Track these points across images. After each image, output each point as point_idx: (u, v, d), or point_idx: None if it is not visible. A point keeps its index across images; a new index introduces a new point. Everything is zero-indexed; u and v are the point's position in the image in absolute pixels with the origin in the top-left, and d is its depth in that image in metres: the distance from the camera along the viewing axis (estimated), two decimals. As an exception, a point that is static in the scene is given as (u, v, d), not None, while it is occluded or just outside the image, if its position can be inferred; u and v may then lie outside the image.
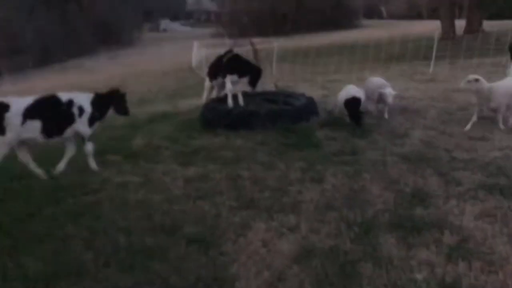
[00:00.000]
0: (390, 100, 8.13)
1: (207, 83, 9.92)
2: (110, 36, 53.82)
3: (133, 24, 62.79)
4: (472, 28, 25.57)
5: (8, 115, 5.35)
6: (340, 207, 4.49)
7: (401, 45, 18.36)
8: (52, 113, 5.69)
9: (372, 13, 71.26)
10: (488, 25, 25.79)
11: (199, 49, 25.21)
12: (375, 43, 19.30)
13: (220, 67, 9.21)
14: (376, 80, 8.86)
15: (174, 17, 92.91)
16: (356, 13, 62.82)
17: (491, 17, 28.65)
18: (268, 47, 22.88)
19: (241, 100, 9.06)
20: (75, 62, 41.47)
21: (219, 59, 9.47)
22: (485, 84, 7.16)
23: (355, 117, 7.59)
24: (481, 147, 6.19)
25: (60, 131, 5.79)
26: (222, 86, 9.39)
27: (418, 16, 63.50)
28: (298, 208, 4.59)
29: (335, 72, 16.84)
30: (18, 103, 5.49)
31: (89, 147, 6.01)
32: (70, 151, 6.05)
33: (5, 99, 5.51)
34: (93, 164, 6.13)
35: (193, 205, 4.81)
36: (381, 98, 8.37)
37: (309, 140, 7.16)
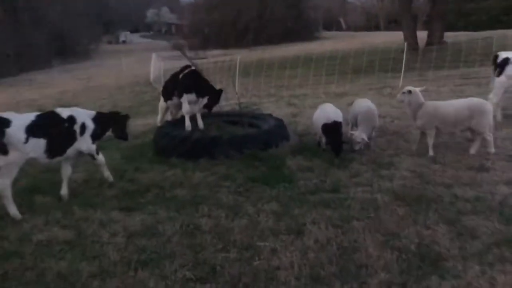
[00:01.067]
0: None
1: (161, 103, 8.70)
2: (65, 48, 51.54)
3: (91, 36, 60.54)
4: (434, 40, 25.38)
5: (9, 132, 4.85)
6: (330, 279, 3.39)
7: (366, 57, 17.61)
8: (55, 131, 5.32)
9: (330, 25, 71.71)
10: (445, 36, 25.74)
11: (158, 62, 23.87)
12: (340, 54, 18.57)
13: (176, 86, 8.04)
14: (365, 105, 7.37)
15: (134, 29, 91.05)
16: (316, 24, 62.95)
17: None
18: (230, 60, 21.90)
19: (200, 123, 7.91)
20: (26, 76, 39.10)
21: (175, 76, 8.29)
22: (418, 98, 6.41)
23: (335, 146, 6.51)
24: (484, 180, 5.25)
25: (63, 150, 5.46)
26: (179, 107, 8.22)
27: (375, 27, 64.44)
28: (274, 280, 3.46)
29: (301, 86, 15.91)
30: (20, 119, 5.05)
31: (101, 158, 5.94)
32: (67, 171, 5.75)
33: (5, 114, 5.02)
34: (107, 173, 6.10)
35: (133, 279, 3.58)
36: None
37: (281, 172, 6.06)
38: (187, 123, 7.80)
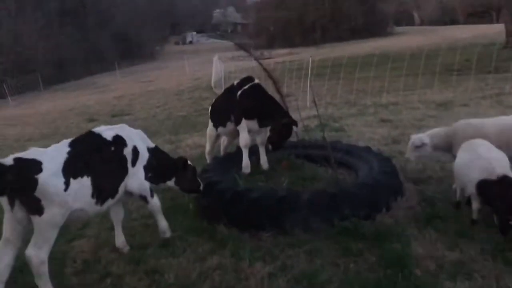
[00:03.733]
0: None
1: (210, 129, 6.22)
2: (131, 50, 51.37)
3: (157, 38, 60.48)
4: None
5: (42, 180, 3.25)
6: None
7: (459, 55, 14.03)
8: (99, 161, 3.71)
9: (400, 20, 66.75)
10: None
11: (219, 64, 21.67)
12: (422, 51, 15.24)
13: (230, 106, 5.53)
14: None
15: (201, 30, 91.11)
16: (387, 19, 58.56)
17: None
18: (298, 59, 19.18)
19: (264, 162, 5.38)
20: (91, 80, 38.85)
21: (230, 92, 5.78)
22: None
23: (506, 220, 3.60)
24: None
25: (114, 188, 3.84)
26: (234, 135, 5.72)
27: (452, 21, 59.09)
28: None
29: (387, 91, 12.85)
30: (53, 156, 3.43)
31: (156, 201, 4.24)
32: (119, 214, 4.24)
33: (31, 153, 3.38)
34: (163, 222, 4.33)
35: None
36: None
37: (411, 276, 3.32)
38: (245, 161, 5.28)
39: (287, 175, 5.24)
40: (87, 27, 45.79)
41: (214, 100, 6.28)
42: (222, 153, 6.57)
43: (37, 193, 3.21)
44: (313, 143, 5.98)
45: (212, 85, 21.30)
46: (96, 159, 3.67)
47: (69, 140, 3.71)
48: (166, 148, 8.19)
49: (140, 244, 4.30)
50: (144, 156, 4.07)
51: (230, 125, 5.60)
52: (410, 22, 68.69)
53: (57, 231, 3.38)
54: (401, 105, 11.26)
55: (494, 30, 32.21)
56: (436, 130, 4.97)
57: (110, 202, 3.81)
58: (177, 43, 77.13)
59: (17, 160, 3.22)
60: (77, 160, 3.50)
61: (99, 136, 3.86)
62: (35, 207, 3.22)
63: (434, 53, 13.77)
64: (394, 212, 4.31)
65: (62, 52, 39.40)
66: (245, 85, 5.52)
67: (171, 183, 4.46)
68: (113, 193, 3.79)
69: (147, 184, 4.10)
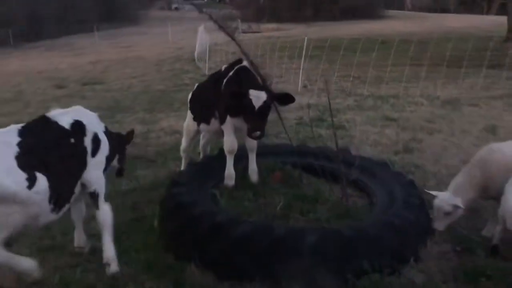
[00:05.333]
0: None
1: (188, 123, 4.98)
2: (112, 12, 48.75)
3: (142, 1, 57.80)
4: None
5: None
6: None
7: (454, 44, 12.83)
8: (55, 155, 2.95)
9: (391, 4, 65.25)
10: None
11: (205, 34, 20.13)
12: (417, 39, 14.07)
13: (215, 99, 4.29)
14: None
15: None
16: (379, 1, 56.99)
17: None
18: (289, 36, 17.85)
19: (253, 173, 4.22)
20: (67, 40, 36.53)
21: (215, 79, 4.51)
22: None
23: None
24: None
25: (70, 190, 3.09)
26: (219, 135, 4.50)
27: (442, 10, 58.19)
28: None
29: (385, 81, 11.71)
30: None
31: (107, 209, 3.36)
32: (80, 212, 3.57)
33: None
34: (110, 248, 3.27)
35: None
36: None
37: None
38: (229, 171, 4.11)
39: (281, 192, 4.10)
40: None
41: (196, 86, 5.03)
42: (200, 150, 5.37)
43: None
44: (314, 149, 4.80)
45: (195, 56, 19.86)
46: (53, 153, 2.97)
47: (18, 126, 2.95)
48: (137, 130, 6.97)
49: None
50: (105, 144, 3.38)
51: (214, 123, 4.38)
52: (400, 6, 67.31)
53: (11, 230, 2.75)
54: (402, 98, 10.17)
55: (488, 22, 31.35)
56: (459, 181, 3.62)
57: (66, 207, 3.10)
58: (162, 8, 74.21)
59: None
60: (31, 155, 2.80)
61: (55, 123, 3.13)
62: None
63: (432, 42, 12.56)
64: (425, 262, 3.23)
65: (38, 8, 36.88)
66: (231, 71, 4.29)
67: (114, 162, 3.76)
68: (70, 195, 3.10)
69: (103, 180, 3.36)
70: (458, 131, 6.97)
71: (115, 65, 20.16)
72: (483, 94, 10.46)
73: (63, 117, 3.20)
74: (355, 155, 4.67)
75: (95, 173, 3.27)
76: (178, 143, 5.83)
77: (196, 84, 5.09)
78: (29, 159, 2.76)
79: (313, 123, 7.48)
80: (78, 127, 3.21)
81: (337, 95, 10.96)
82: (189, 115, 4.91)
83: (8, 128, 2.93)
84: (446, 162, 5.48)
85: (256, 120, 3.81)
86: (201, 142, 5.25)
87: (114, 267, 3.25)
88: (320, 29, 33.54)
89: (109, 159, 3.46)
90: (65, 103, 9.90)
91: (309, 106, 7.38)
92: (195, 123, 4.77)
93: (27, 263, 2.90)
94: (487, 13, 49.31)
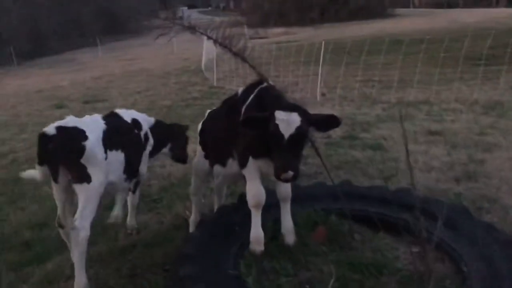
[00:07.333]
0: None
1: (199, 161, 3.88)
2: (115, 25, 48.03)
3: (146, 12, 57.10)
4: None
5: (89, 147, 3.23)
6: None
7: (474, 41, 11.55)
8: (127, 140, 3.79)
9: (397, 2, 63.91)
10: None
11: (211, 44, 19.04)
12: (437, 36, 12.86)
13: (234, 135, 3.18)
14: None
15: (192, 5, 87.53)
16: (385, 0, 55.68)
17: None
18: (295, 41, 16.77)
19: (289, 232, 3.11)
20: (70, 55, 35.74)
21: (230, 107, 3.42)
22: None
23: None
24: None
25: (137, 168, 3.94)
26: (236, 178, 3.39)
27: (449, 5, 56.74)
28: None
29: (410, 85, 10.53)
30: (93, 126, 3.44)
31: (138, 194, 4.33)
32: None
33: (70, 121, 3.36)
34: (133, 221, 4.34)
35: None
36: None
37: None
38: (256, 232, 3.00)
39: (330, 258, 2.97)
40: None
41: (207, 114, 3.93)
42: (215, 191, 4.26)
43: (84, 160, 3.18)
44: (364, 190, 3.67)
45: (203, 67, 18.82)
46: (126, 136, 3.76)
47: (99, 115, 3.75)
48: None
49: None
50: (150, 142, 4.12)
51: (232, 165, 3.28)
52: (406, 4, 65.98)
53: (98, 202, 3.30)
54: (436, 105, 9.03)
55: (501, 15, 29.91)
56: None
57: (133, 181, 3.93)
58: (166, 19, 73.63)
59: (59, 128, 3.18)
60: (112, 134, 3.52)
61: (121, 117, 3.93)
62: (82, 175, 3.18)
63: (452, 39, 11.33)
64: None
65: (40, 24, 36.19)
66: (250, 95, 3.18)
67: (166, 150, 4.47)
68: (136, 173, 3.89)
69: (145, 171, 4.13)
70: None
71: (118, 80, 19.18)
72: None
73: (126, 114, 3.99)
74: (418, 193, 3.51)
75: (144, 166, 4.01)
76: (188, 176, 4.79)
77: (208, 111, 4.00)
78: (110, 135, 3.44)
79: (344, 142, 6.39)
80: (137, 123, 3.99)
81: (361, 103, 9.85)
82: (200, 151, 3.81)
83: (93, 115, 3.68)
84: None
85: (286, 154, 2.71)
86: (216, 181, 4.16)
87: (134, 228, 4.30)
88: (328, 31, 32.50)
89: (152, 154, 4.17)
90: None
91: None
92: (207, 162, 3.67)
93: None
94: (496, 6, 48.05)
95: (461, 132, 6.69)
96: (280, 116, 2.68)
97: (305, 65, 12.47)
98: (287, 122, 2.67)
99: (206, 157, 3.68)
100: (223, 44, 3.25)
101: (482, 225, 3.06)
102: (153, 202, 5.11)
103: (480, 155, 5.50)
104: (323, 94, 10.99)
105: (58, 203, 3.25)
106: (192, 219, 4.05)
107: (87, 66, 26.55)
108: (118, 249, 4.07)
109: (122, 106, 12.47)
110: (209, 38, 3.35)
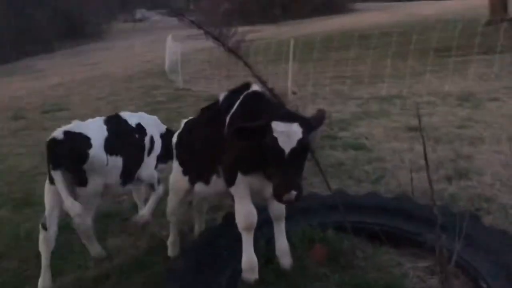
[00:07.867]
0: None
1: (177, 177, 3.46)
2: (73, 29, 46.40)
3: (105, 15, 55.63)
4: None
5: (92, 154, 3.39)
6: None
7: (439, 32, 11.58)
8: (127, 144, 3.86)
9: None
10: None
11: (174, 45, 18.49)
12: (399, 29, 12.88)
13: (217, 148, 2.79)
14: None
15: (152, 6, 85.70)
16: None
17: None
18: (261, 39, 16.52)
19: (284, 253, 2.75)
20: (26, 62, 34.24)
21: (211, 116, 3.02)
22: None
23: None
24: None
25: (134, 173, 3.95)
26: (222, 196, 3.02)
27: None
28: None
29: (381, 79, 10.39)
30: (96, 131, 3.59)
31: (161, 188, 4.18)
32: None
33: (75, 127, 3.51)
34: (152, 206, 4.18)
35: None
36: None
37: None
38: (248, 258, 2.64)
39: (331, 281, 2.65)
40: (21, 2, 40.65)
41: (183, 125, 3.53)
42: (195, 207, 3.85)
43: (85, 166, 3.34)
44: (360, 199, 3.36)
45: (166, 69, 18.27)
46: (126, 141, 3.82)
47: (102, 118, 3.85)
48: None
49: None
50: (158, 145, 4.13)
51: (217, 183, 2.88)
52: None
53: (99, 198, 3.57)
54: (409, 98, 8.90)
55: (458, 7, 30.47)
56: None
57: (129, 186, 3.96)
58: (126, 21, 71.87)
59: (66, 133, 3.34)
60: (114, 139, 3.63)
61: (125, 121, 3.97)
62: (81, 179, 3.37)
63: (417, 32, 11.27)
64: None
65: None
66: (235, 102, 2.80)
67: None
68: (132, 177, 3.90)
69: (155, 173, 4.13)
70: (504, 136, 5.66)
71: (79, 86, 18.32)
72: (497, 85, 9.29)
73: (131, 118, 4.02)
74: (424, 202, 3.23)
75: (147, 171, 4.00)
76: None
77: (183, 121, 3.59)
78: (111, 141, 3.55)
79: (324, 143, 6.11)
80: (141, 127, 4.00)
81: (334, 100, 9.64)
82: (177, 166, 3.40)
83: (96, 118, 3.80)
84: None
85: (286, 171, 2.35)
86: (194, 201, 3.76)
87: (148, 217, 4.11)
88: (293, 28, 32.40)
89: (160, 157, 4.16)
90: (22, 138, 8.30)
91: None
92: (186, 179, 3.28)
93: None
94: (452, -3, 49.22)
95: (441, 126, 6.52)
96: (279, 128, 2.33)
97: (274, 63, 12.18)
98: (287, 134, 2.31)
99: (185, 173, 3.29)
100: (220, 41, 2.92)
101: (491, 231, 2.81)
102: (124, 222, 4.66)
103: (466, 149, 5.32)
104: (294, 93, 10.70)
105: (48, 205, 3.36)
106: (171, 241, 3.65)
107: (46, 74, 25.37)
108: (89, 279, 3.62)
109: (84, 114, 11.99)
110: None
